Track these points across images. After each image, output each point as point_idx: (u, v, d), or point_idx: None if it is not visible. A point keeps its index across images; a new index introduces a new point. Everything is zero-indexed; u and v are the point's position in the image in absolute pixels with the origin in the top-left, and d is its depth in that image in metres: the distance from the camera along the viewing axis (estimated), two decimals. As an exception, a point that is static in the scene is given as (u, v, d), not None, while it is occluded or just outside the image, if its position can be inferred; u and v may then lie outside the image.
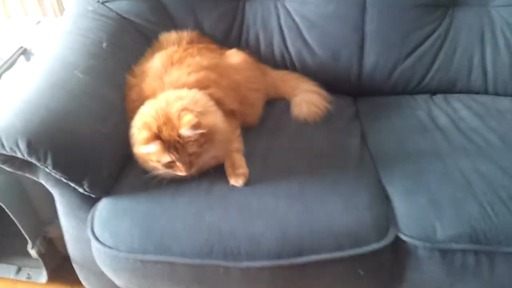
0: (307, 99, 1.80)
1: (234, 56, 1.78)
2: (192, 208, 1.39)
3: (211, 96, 1.52)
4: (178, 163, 1.36)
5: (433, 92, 1.97)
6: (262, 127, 1.72)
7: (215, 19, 1.94)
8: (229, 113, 1.57)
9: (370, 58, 1.94)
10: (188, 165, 1.37)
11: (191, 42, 1.82)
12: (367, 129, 1.78)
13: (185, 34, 1.86)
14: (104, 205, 1.45)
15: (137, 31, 1.86)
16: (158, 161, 1.37)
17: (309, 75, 1.93)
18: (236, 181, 1.44)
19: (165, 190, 1.43)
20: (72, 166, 1.37)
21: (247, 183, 1.44)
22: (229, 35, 1.95)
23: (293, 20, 1.94)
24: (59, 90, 1.44)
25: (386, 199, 1.46)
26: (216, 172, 1.47)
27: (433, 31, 1.90)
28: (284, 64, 2.00)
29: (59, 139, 1.34)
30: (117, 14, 1.84)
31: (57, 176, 1.37)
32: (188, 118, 1.31)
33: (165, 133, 1.33)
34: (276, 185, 1.45)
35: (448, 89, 1.97)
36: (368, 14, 1.89)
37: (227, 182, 1.45)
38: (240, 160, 1.50)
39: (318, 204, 1.39)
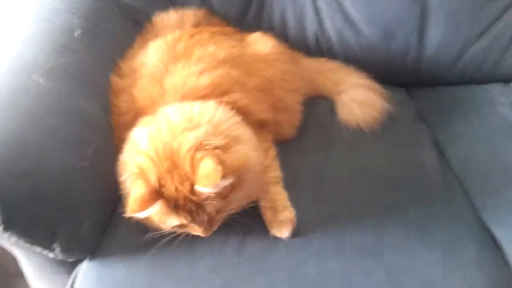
0: (358, 98, 1.33)
1: (261, 43, 1.29)
2: (217, 278, 0.94)
3: (233, 105, 1.04)
4: (192, 225, 0.91)
5: (506, 80, 1.56)
6: (303, 140, 1.25)
7: (226, -3, 1.44)
8: (258, 126, 1.09)
9: (433, 38, 1.47)
10: (207, 225, 0.92)
11: (197, 25, 1.34)
12: (439, 136, 1.33)
13: (189, 14, 1.37)
14: (87, 272, 0.99)
15: (123, 12, 1.37)
16: (163, 223, 0.92)
17: (352, 62, 1.45)
18: (280, 231, 0.99)
19: (176, 252, 0.97)
20: (35, 225, 0.90)
21: (295, 233, 0.98)
22: (246, 12, 1.50)
23: (331, -9, 1.45)
24: (9, 111, 0.95)
25: (495, 246, 1.02)
26: (249, 215, 1.00)
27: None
28: (319, 49, 1.52)
29: (11, 188, 0.86)
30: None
31: (15, 240, 0.91)
32: (208, 170, 0.83)
33: (170, 187, 0.87)
34: (339, 234, 1.00)
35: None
36: (430, -22, 1.40)
37: (265, 232, 1.00)
38: (281, 197, 1.04)
39: (406, 265, 0.94)
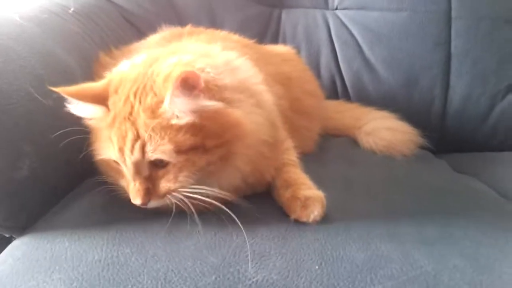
0: (386, 125, 1.15)
1: (277, 47, 1.15)
2: (211, 256, 0.61)
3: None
4: (126, 173, 0.66)
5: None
6: (323, 153, 1.01)
7: (239, 24, 1.35)
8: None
9: (458, 88, 1.34)
10: (143, 184, 0.65)
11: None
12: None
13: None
14: (13, 248, 0.65)
15: (126, 20, 1.24)
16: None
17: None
18: (305, 212, 0.69)
19: (154, 231, 0.66)
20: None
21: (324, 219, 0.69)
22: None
23: (350, 32, 1.37)
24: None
25: None
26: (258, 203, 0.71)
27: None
28: (334, 91, 1.38)
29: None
30: (98, -6, 1.23)
31: None
32: (181, 70, 0.61)
33: (122, 104, 0.65)
34: (382, 223, 0.70)
35: None
36: (454, 26, 1.34)
37: (282, 219, 0.70)
38: (303, 177, 0.77)
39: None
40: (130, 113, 0.63)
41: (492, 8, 1.33)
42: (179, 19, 1.29)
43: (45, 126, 0.72)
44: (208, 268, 0.60)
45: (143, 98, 0.63)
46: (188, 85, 0.60)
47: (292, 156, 0.83)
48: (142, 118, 0.62)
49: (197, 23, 1.25)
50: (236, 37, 1.03)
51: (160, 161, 0.63)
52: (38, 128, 0.71)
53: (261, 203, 0.72)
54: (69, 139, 0.68)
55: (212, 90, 0.65)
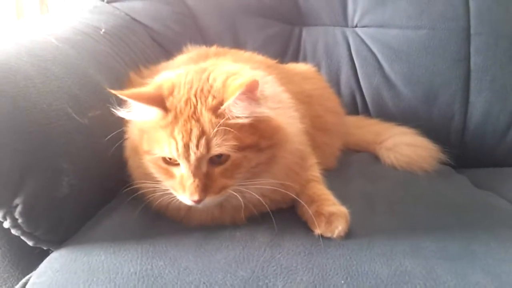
0: (407, 141, 1.16)
1: (297, 66, 1.19)
2: (241, 270, 0.64)
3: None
4: (184, 170, 0.69)
5: None
6: (345, 170, 1.04)
7: (261, 43, 1.39)
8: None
9: (477, 104, 1.35)
10: (202, 180, 0.69)
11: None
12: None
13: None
14: (51, 261, 0.69)
15: (152, 40, 1.29)
16: (148, 153, 0.71)
17: (389, 124, 1.31)
18: (330, 228, 0.72)
19: (185, 243, 0.70)
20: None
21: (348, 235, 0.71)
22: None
23: (369, 49, 1.40)
24: (25, 56, 0.79)
25: None
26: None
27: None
28: (355, 107, 1.40)
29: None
30: (127, 15, 1.28)
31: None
32: (243, 80, 0.70)
33: (183, 104, 0.70)
34: (405, 238, 0.72)
35: None
36: (473, 43, 1.35)
37: (307, 235, 0.73)
38: (327, 193, 0.80)
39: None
40: (194, 113, 0.68)
41: (510, 26, 1.35)
42: (204, 39, 1.34)
43: (81, 144, 0.76)
44: (238, 282, 0.62)
45: (203, 99, 0.69)
46: (252, 92, 0.67)
47: (316, 172, 0.86)
48: (206, 117, 0.68)
49: (221, 42, 1.30)
50: (260, 57, 1.07)
51: (219, 157, 0.68)
52: (75, 146, 0.75)
53: (286, 219, 0.75)
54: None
55: (262, 98, 0.71)
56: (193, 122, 0.68)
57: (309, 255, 0.68)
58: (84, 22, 1.10)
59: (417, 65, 1.36)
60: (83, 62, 0.90)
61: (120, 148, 0.78)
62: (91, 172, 0.78)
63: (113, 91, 0.69)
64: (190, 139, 0.67)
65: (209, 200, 0.69)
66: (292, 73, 1.09)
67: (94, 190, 0.79)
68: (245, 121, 0.68)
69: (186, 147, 0.67)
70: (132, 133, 0.76)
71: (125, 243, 0.70)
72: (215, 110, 0.68)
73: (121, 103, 0.72)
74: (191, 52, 1.09)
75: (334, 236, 0.71)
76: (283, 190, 0.77)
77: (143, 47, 1.20)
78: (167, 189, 0.72)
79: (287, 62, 1.36)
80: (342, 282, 0.63)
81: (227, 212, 0.75)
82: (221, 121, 0.67)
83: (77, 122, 0.76)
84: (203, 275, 0.63)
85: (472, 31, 1.36)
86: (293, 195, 0.78)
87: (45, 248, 0.75)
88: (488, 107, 1.35)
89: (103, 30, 1.08)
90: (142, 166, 0.73)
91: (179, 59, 1.06)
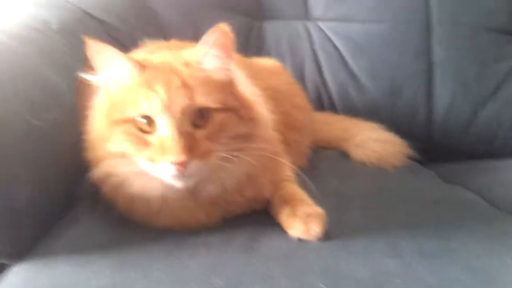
0: (375, 137, 1.15)
1: (265, 60, 1.15)
2: (216, 278, 0.60)
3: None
4: (166, 129, 0.63)
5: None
6: (315, 168, 1.02)
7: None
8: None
9: (442, 97, 1.36)
10: (187, 141, 0.63)
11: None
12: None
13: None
14: (12, 276, 0.63)
15: (110, 37, 1.22)
16: (119, 122, 0.66)
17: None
18: (306, 229, 0.69)
19: (155, 251, 0.65)
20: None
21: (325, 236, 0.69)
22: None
23: (333, 44, 1.38)
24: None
25: None
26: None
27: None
28: (320, 103, 1.38)
29: None
30: (80, 9, 1.20)
31: None
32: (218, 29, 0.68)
33: (159, 63, 0.69)
34: (383, 237, 0.71)
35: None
36: (435, 34, 1.36)
37: (282, 237, 0.70)
38: (301, 193, 0.77)
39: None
40: (171, 68, 0.67)
41: (470, 13, 1.35)
42: (163, 34, 1.28)
43: (37, 152, 0.70)
44: (213, 291, 0.59)
45: (178, 57, 0.70)
46: (225, 38, 0.68)
47: (288, 171, 0.83)
48: (184, 70, 0.66)
49: (181, 36, 1.25)
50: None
51: (202, 119, 0.65)
52: (32, 154, 0.69)
53: (261, 222, 0.72)
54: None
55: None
56: (171, 75, 0.65)
57: (286, 259, 0.65)
58: (33, 16, 1.02)
59: (381, 59, 1.36)
60: (36, 59, 0.83)
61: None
62: (50, 179, 0.72)
63: (93, 43, 0.65)
64: (171, 89, 0.63)
65: (195, 166, 0.63)
66: (259, 67, 1.06)
67: (54, 199, 0.73)
68: (222, 76, 0.68)
69: (169, 99, 0.63)
70: (94, 123, 0.70)
71: (92, 254, 0.64)
72: (191, 64, 0.68)
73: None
74: (149, 46, 1.03)
75: (311, 238, 0.68)
76: (257, 187, 0.74)
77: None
78: (138, 171, 0.66)
79: (250, 57, 1.33)
80: (321, 285, 0.60)
81: (203, 205, 0.71)
82: (200, 73, 0.66)
83: (32, 125, 0.70)
84: (176, 285, 0.59)
85: (433, 22, 1.37)
86: (267, 195, 0.75)
87: (5, 262, 0.68)
88: (452, 99, 1.35)
89: (55, 26, 1.01)
90: (109, 150, 0.67)
91: (137, 54, 1.00)
